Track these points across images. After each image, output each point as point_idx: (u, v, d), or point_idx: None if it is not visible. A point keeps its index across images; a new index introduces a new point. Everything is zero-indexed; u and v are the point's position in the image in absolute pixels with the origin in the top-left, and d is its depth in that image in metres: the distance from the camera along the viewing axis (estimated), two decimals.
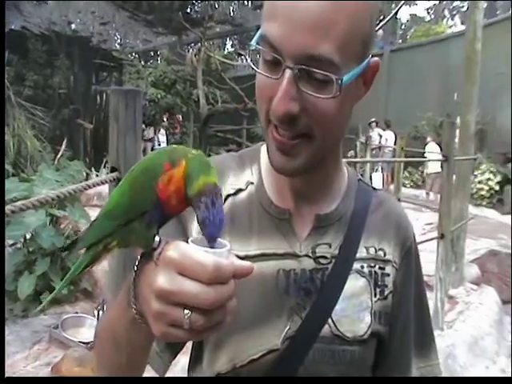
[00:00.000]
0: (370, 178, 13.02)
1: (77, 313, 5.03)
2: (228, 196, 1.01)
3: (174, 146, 0.77)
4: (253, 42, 0.85)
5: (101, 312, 4.74)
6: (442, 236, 5.29)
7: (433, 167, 13.84)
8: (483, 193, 14.29)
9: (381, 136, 15.90)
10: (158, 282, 0.64)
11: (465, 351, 4.92)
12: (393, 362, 1.05)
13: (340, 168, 1.04)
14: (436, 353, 1.11)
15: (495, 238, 10.06)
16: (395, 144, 13.96)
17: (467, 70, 6.98)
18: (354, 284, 0.98)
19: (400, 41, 31.03)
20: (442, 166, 5.45)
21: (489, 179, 14.31)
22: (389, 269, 1.02)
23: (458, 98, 12.42)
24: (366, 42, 0.83)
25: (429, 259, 5.78)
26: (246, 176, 1.04)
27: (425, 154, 12.91)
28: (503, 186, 14.12)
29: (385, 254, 1.02)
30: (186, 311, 0.63)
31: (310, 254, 0.97)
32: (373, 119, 16.24)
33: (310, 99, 0.81)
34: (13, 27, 15.39)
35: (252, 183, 1.03)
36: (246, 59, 0.92)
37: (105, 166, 9.80)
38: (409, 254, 1.06)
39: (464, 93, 7.15)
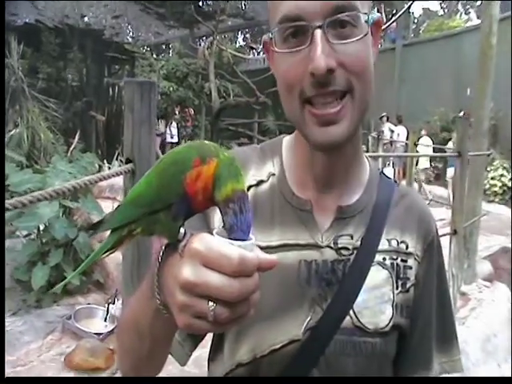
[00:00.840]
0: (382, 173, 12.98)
1: (89, 304, 5.06)
2: (250, 187, 1.02)
3: (204, 141, 0.77)
4: (272, 30, 0.89)
5: (111, 304, 4.78)
6: (454, 232, 5.26)
7: (423, 163, 13.81)
8: (496, 189, 14.18)
9: (392, 131, 15.83)
10: (183, 273, 0.64)
11: (477, 348, 4.90)
12: (414, 355, 1.05)
13: (361, 159, 1.05)
14: (458, 348, 1.11)
15: (508, 234, 10.00)
16: (407, 139, 13.93)
17: (481, 64, 6.91)
18: (376, 276, 0.98)
19: (413, 35, 30.83)
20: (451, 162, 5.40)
21: (502, 175, 14.20)
22: (411, 262, 1.02)
23: (471, 93, 12.33)
24: None
25: None
26: (268, 168, 1.05)
27: (417, 148, 12.86)
28: None
29: (407, 247, 1.02)
30: (211, 303, 0.63)
31: (332, 245, 0.97)
32: (384, 114, 16.17)
33: (344, 50, 0.85)
34: (27, 20, 15.49)
35: (274, 175, 1.04)
36: (260, 52, 0.93)
37: (117, 159, 9.84)
38: (431, 247, 1.06)
39: (477, 88, 7.09)
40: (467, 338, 4.93)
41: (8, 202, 1.46)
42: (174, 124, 16.99)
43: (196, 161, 0.71)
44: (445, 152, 11.96)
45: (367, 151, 14.32)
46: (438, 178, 16.16)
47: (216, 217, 0.99)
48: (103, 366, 4.01)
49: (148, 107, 2.20)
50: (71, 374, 3.97)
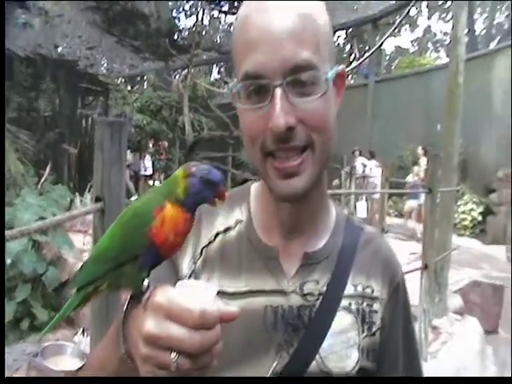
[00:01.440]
0: (355, 207, 13.08)
1: (58, 340, 4.93)
2: (217, 234, 1.03)
3: (156, 186, 0.82)
4: (232, 85, 0.91)
5: (81, 337, 4.68)
6: (425, 267, 5.32)
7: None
8: (466, 223, 14.41)
9: (365, 165, 16.01)
10: (146, 326, 0.66)
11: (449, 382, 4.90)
12: None
13: (327, 205, 1.07)
14: None
15: (478, 267, 10.12)
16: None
17: (450, 103, 7.10)
18: (342, 321, 0.99)
19: (385, 71, 31.53)
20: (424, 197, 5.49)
21: (472, 209, 14.44)
22: (377, 306, 1.03)
23: (441, 129, 12.58)
24: (331, 49, 0.93)
25: (413, 289, 5.80)
26: (236, 215, 1.06)
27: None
28: (486, 217, 14.25)
29: (372, 292, 1.03)
30: (173, 355, 0.65)
31: (298, 291, 0.98)
32: (356, 148, 16.37)
33: (303, 107, 0.87)
34: None
35: (241, 221, 1.05)
36: (232, 102, 0.96)
37: (89, 191, 9.74)
38: (397, 291, 1.07)
39: (446, 125, 7.26)
40: (438, 371, 4.94)
41: None
42: (148, 157, 16.98)
43: (157, 209, 0.74)
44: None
45: (340, 186, 14.46)
46: (410, 212, 16.33)
47: (184, 264, 1.00)
48: None
49: (118, 146, 2.20)
50: None
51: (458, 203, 13.88)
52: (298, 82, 0.86)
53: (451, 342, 5.90)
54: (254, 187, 1.10)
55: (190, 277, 0.99)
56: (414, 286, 5.65)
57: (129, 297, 0.78)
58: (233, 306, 0.70)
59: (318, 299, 0.98)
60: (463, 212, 14.42)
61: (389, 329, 1.04)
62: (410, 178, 13.44)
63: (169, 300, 0.67)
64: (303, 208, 1.00)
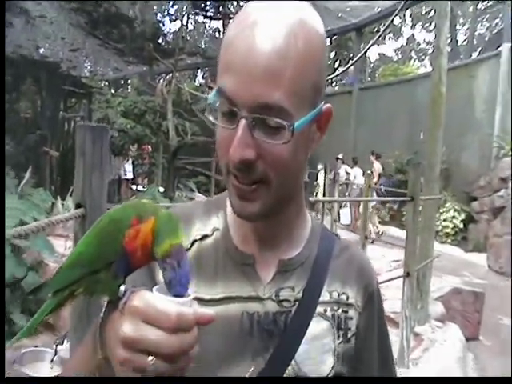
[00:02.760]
0: (338, 214, 13.13)
1: (37, 346, 4.86)
2: (194, 241, 1.04)
3: (143, 200, 0.81)
4: (210, 97, 0.89)
5: (59, 346, 4.61)
6: (407, 274, 5.36)
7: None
8: (448, 230, 14.55)
9: (348, 173, 16.13)
10: (124, 330, 0.68)
11: None
12: None
13: (303, 215, 1.08)
14: None
15: (459, 275, 10.22)
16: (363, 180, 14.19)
17: (432, 112, 7.18)
18: (317, 327, 1.00)
19: (369, 79, 31.77)
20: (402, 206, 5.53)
21: (453, 217, 14.59)
22: (352, 312, 1.04)
23: (424, 137, 12.71)
24: (316, 89, 0.89)
25: (395, 296, 5.83)
26: (212, 223, 1.07)
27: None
28: (467, 224, 14.41)
29: (348, 298, 1.04)
30: (150, 358, 0.66)
31: (274, 298, 0.99)
32: (339, 155, 16.49)
33: (265, 146, 0.85)
34: None
35: (218, 229, 1.06)
36: (205, 114, 0.95)
37: (71, 195, 9.65)
38: (371, 298, 1.08)
39: (429, 135, 7.34)
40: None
41: None
42: (130, 161, 16.93)
43: (134, 219, 0.75)
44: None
45: (324, 193, 14.52)
46: (394, 218, 16.46)
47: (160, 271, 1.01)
48: None
49: (100, 152, 2.19)
50: None
51: (441, 211, 14.02)
52: (263, 121, 0.84)
53: (433, 349, 5.96)
54: None
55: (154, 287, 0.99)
56: (396, 293, 5.68)
57: (106, 302, 0.79)
58: (208, 310, 0.72)
59: (293, 305, 0.99)
60: (445, 219, 14.57)
61: (364, 336, 1.06)
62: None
63: (145, 303, 0.68)
64: (277, 221, 1.01)
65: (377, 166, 15.66)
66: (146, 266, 0.89)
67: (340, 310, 1.03)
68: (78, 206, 2.16)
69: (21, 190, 7.39)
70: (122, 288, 0.75)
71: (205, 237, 1.05)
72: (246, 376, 0.95)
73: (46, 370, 4.45)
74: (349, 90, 21.73)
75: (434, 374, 5.23)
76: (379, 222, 15.18)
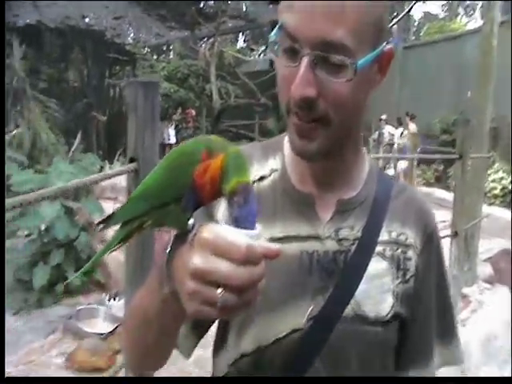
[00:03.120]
0: None
1: (90, 304, 5.06)
2: (253, 182, 1.03)
3: (212, 136, 0.79)
4: (272, 34, 0.89)
5: (112, 302, 4.80)
6: (455, 234, 5.26)
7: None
8: (496, 192, 14.16)
9: (391, 134, 15.84)
10: (193, 261, 0.67)
11: (478, 350, 4.90)
12: (415, 346, 1.07)
13: (361, 156, 1.07)
14: (459, 341, 1.12)
15: (508, 237, 9.99)
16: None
17: (483, 66, 6.94)
18: (377, 266, 1.00)
19: (413, 38, 30.86)
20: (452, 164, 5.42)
21: (502, 178, 14.19)
22: (411, 253, 1.04)
23: (471, 95, 12.33)
24: (379, 28, 0.88)
25: None
26: (270, 164, 1.07)
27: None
28: None
29: (406, 239, 1.04)
30: (219, 290, 0.65)
31: (333, 237, 1.00)
32: (382, 116, 16.17)
33: (327, 84, 0.85)
34: (28, 21, 15.46)
35: (276, 170, 1.06)
36: (263, 53, 0.95)
37: (118, 159, 9.84)
38: (430, 240, 1.07)
39: (478, 90, 7.10)
40: (468, 339, 4.92)
41: (10, 201, 1.45)
42: (173, 125, 16.99)
43: (204, 154, 0.74)
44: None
45: (368, 153, 14.32)
46: (439, 179, 16.15)
47: (220, 207, 1.02)
48: (104, 366, 4.01)
49: (151, 107, 2.20)
50: (72, 374, 3.97)
51: (489, 171, 13.65)
52: (326, 59, 0.83)
53: (481, 311, 5.87)
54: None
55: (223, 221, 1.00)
56: (443, 253, 5.61)
57: (173, 236, 0.78)
58: (274, 245, 0.71)
59: (352, 244, 0.99)
60: (493, 181, 14.18)
61: (422, 277, 1.05)
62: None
63: (215, 235, 0.67)
64: (336, 162, 1.01)
65: (411, 128, 15.34)
66: (204, 206, 0.90)
67: (399, 250, 1.02)
68: (131, 160, 2.20)
69: (71, 156, 7.58)
70: (191, 221, 0.75)
71: (262, 178, 1.05)
72: (306, 314, 0.96)
73: (99, 325, 4.65)
74: None
75: (482, 335, 5.18)
76: (424, 184, 14.94)
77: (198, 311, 0.68)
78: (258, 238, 0.69)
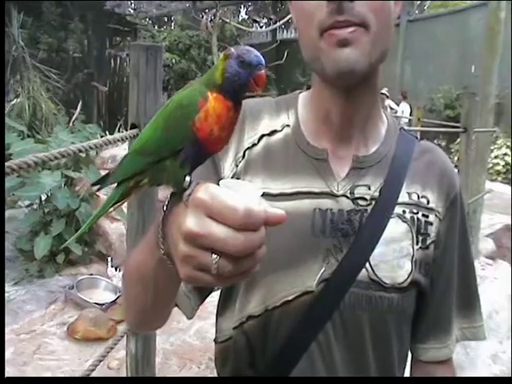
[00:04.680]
0: None
1: (91, 274, 5.06)
2: (262, 136, 1.00)
3: (201, 78, 0.75)
4: None
5: (113, 271, 4.80)
6: None
7: None
8: (499, 168, 14.13)
9: (391, 108, 15.73)
10: (187, 224, 0.61)
11: None
12: (433, 317, 1.03)
13: (378, 110, 1.02)
14: (481, 315, 1.08)
15: (510, 213, 9.97)
16: (411, 115, 13.87)
17: (489, 39, 6.86)
18: (395, 229, 0.95)
19: (417, 11, 30.46)
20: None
21: (505, 154, 14.14)
22: (432, 218, 0.99)
23: (475, 70, 12.21)
24: None
25: None
26: (282, 119, 1.03)
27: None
28: None
29: (428, 202, 0.99)
30: (214, 256, 0.60)
31: (348, 195, 0.95)
32: (383, 90, 16.03)
33: None
34: None
35: (288, 126, 1.02)
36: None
37: (119, 130, 9.77)
38: (454, 205, 1.02)
39: (484, 63, 7.02)
40: None
41: (9, 164, 1.40)
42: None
43: (201, 102, 0.69)
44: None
45: None
46: None
47: (226, 165, 0.98)
48: (105, 335, 4.02)
49: (154, 72, 2.14)
50: (74, 344, 3.98)
51: (492, 147, 13.59)
52: None
53: (483, 286, 5.87)
54: (303, 95, 1.07)
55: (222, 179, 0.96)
56: (467, 220, 5.59)
57: (169, 195, 0.73)
58: (279, 209, 0.64)
59: (369, 204, 0.95)
60: (496, 157, 14.13)
61: (444, 244, 1.00)
62: None
63: (212, 197, 0.61)
64: (355, 110, 0.95)
65: (402, 106, 15.38)
66: (210, 159, 0.85)
67: (420, 214, 0.97)
68: (132, 126, 2.15)
69: (72, 126, 7.53)
70: (188, 179, 0.69)
71: (274, 132, 1.01)
72: (317, 277, 0.91)
73: (100, 296, 4.66)
74: (396, 24, 20.92)
75: (483, 311, 5.19)
76: None
77: (190, 277, 0.63)
78: (259, 201, 0.63)
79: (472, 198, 6.26)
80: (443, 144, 16.15)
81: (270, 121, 1.02)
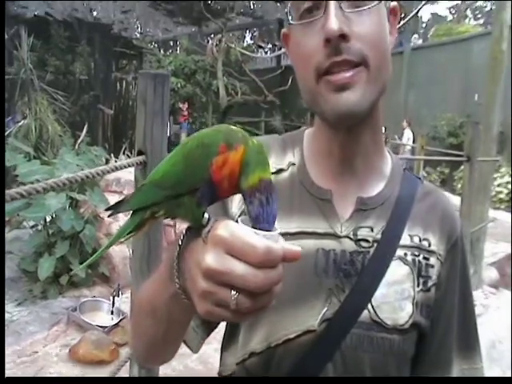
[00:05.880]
0: None
1: (94, 297, 5.06)
2: None
3: (232, 127, 0.75)
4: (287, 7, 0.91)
5: (116, 297, 4.79)
6: None
7: None
8: (502, 196, 14.12)
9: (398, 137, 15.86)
10: (207, 260, 0.62)
11: (483, 354, 4.87)
12: (433, 358, 1.02)
13: (381, 149, 1.03)
14: (480, 356, 1.07)
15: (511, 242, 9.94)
16: (414, 143, 13.93)
17: (492, 69, 6.91)
18: (397, 271, 0.95)
19: (421, 40, 30.75)
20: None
21: (508, 182, 14.14)
22: (433, 260, 0.99)
23: (478, 99, 12.28)
24: None
25: None
26: (288, 157, 1.04)
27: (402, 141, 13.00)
28: None
29: (429, 245, 0.99)
30: (234, 292, 0.61)
31: (351, 236, 0.95)
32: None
33: (358, 20, 0.86)
34: (36, 13, 15.49)
35: (294, 164, 1.03)
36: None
37: (124, 153, 9.83)
38: (455, 248, 1.02)
39: (487, 93, 7.07)
40: None
41: (17, 190, 1.43)
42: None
43: (222, 146, 0.69)
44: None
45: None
46: (444, 182, 16.11)
47: (233, 203, 0.99)
48: (108, 358, 4.00)
49: (161, 99, 2.17)
50: (76, 366, 3.97)
51: (495, 175, 13.60)
52: None
53: (486, 315, 5.83)
54: (308, 132, 1.08)
55: (239, 217, 0.97)
56: (468, 263, 5.57)
57: (185, 230, 0.74)
58: (295, 246, 0.65)
59: (371, 246, 0.95)
60: (499, 185, 14.13)
61: (445, 287, 1.00)
62: None
63: (231, 234, 0.61)
64: (356, 147, 0.97)
65: (406, 133, 15.47)
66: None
67: (421, 256, 0.97)
68: (139, 153, 2.18)
69: (78, 148, 7.58)
70: (206, 216, 0.70)
71: (280, 171, 1.02)
72: (319, 316, 0.92)
73: (103, 318, 4.65)
74: (400, 51, 21.10)
75: (486, 340, 5.15)
76: None
77: (208, 312, 0.64)
78: (277, 239, 0.65)
79: (475, 226, 6.25)
80: (446, 171, 16.19)
81: (277, 159, 1.03)
